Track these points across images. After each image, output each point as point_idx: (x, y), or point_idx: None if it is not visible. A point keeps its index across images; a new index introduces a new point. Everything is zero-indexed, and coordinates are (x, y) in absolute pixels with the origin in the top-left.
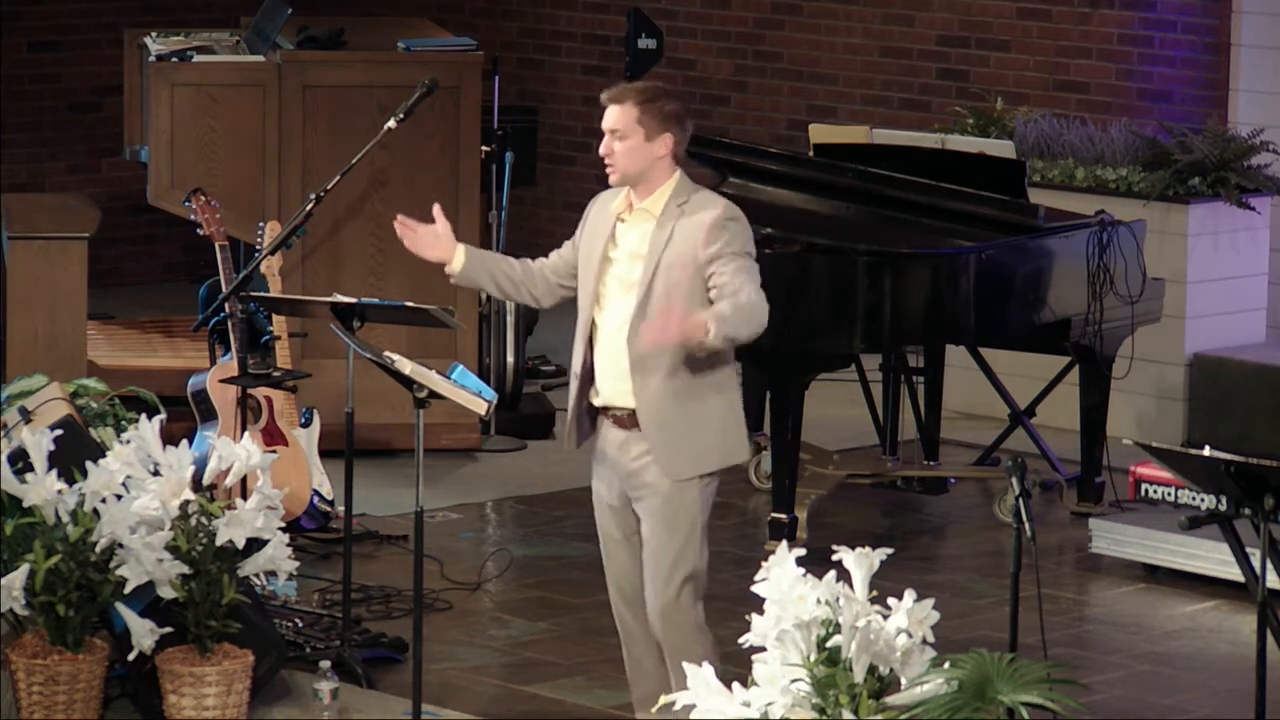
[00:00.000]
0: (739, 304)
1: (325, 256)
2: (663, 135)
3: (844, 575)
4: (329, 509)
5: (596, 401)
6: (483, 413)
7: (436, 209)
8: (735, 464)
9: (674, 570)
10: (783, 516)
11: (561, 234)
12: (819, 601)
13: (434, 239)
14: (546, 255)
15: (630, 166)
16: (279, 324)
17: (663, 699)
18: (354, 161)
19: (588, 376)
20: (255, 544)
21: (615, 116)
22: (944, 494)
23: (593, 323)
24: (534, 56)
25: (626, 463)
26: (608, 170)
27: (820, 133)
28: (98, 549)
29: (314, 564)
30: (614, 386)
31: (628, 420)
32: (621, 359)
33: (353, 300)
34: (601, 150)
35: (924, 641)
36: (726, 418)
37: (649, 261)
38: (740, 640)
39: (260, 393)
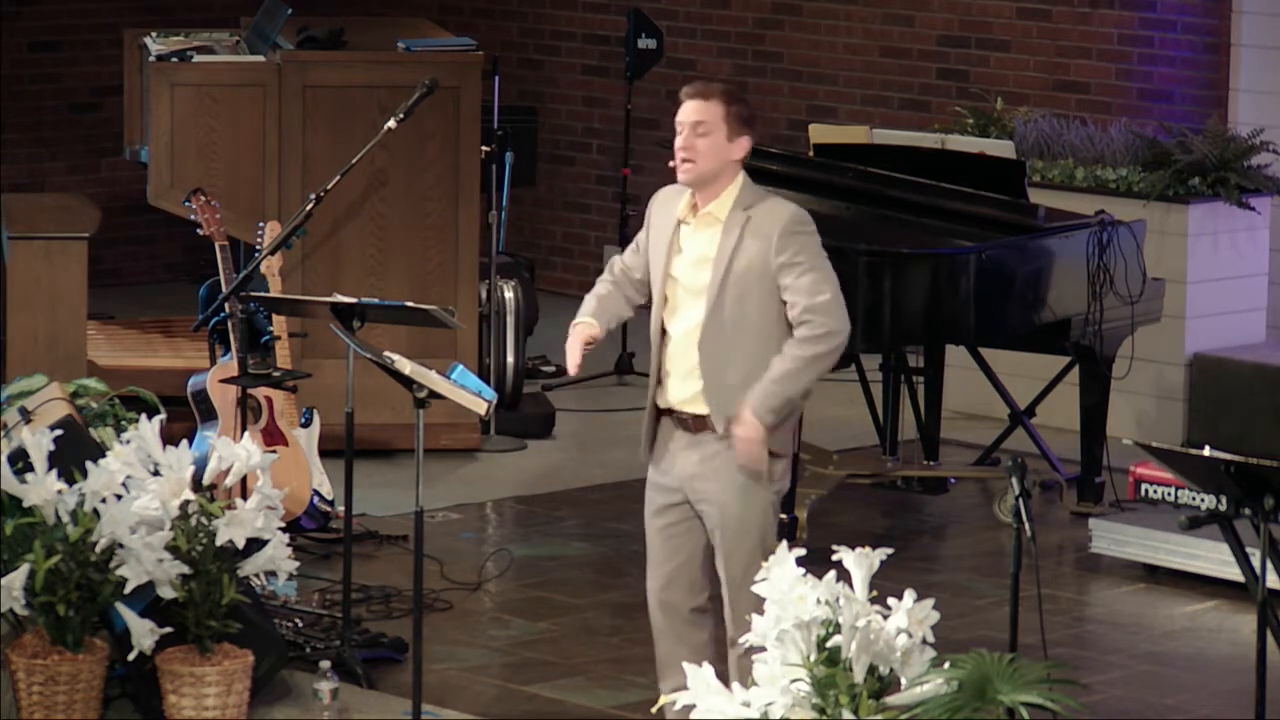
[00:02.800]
0: (785, 365)
1: (325, 256)
2: (741, 138)
3: (844, 575)
4: (329, 509)
5: (662, 403)
6: (483, 413)
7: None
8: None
9: (749, 574)
10: (783, 516)
11: (561, 233)
12: (819, 601)
13: (585, 337)
14: (547, 255)
15: (708, 165)
16: (279, 324)
17: (663, 699)
18: (354, 161)
19: (658, 380)
20: (255, 544)
21: (701, 110)
22: (944, 494)
23: (663, 328)
24: (534, 56)
25: (691, 465)
26: (683, 167)
27: (820, 133)
28: (98, 549)
29: (314, 564)
30: (682, 389)
31: (694, 424)
32: (690, 363)
33: (353, 300)
34: (681, 144)
35: (924, 641)
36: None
37: (718, 269)
38: (740, 640)
39: (260, 393)
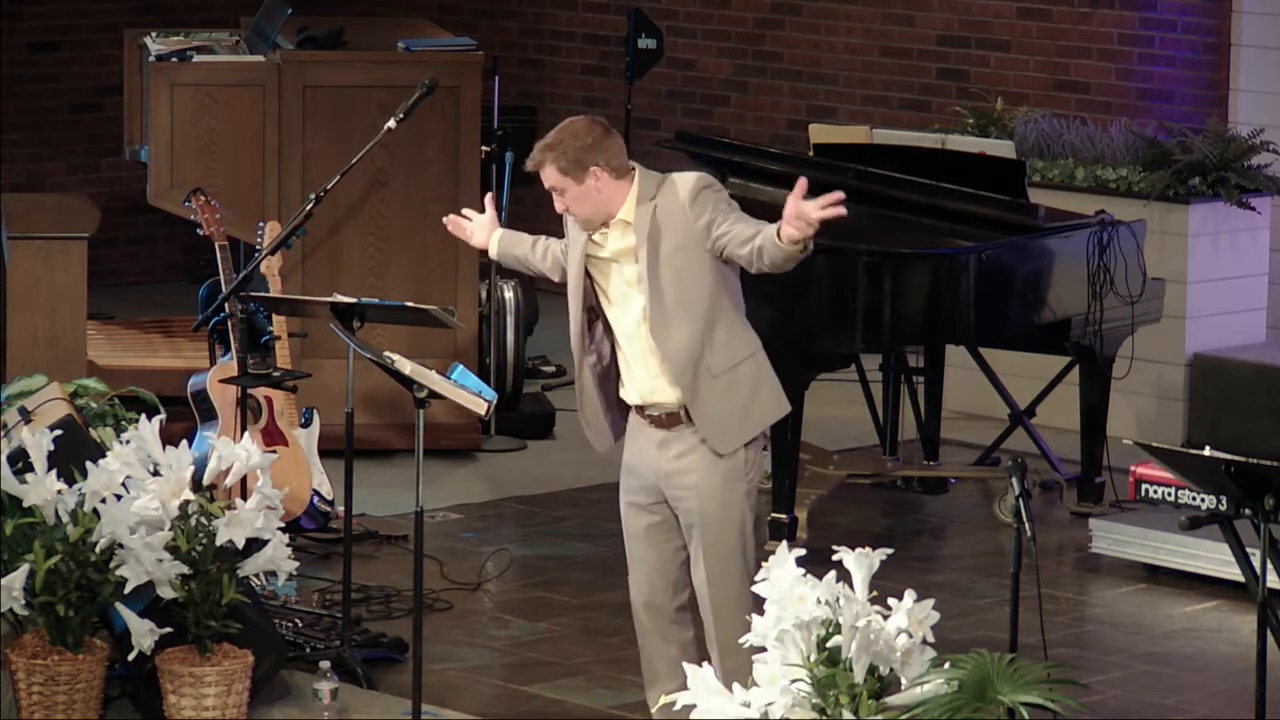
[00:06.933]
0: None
1: (325, 256)
2: (590, 170)
3: (844, 575)
4: (329, 509)
5: (629, 399)
6: (483, 413)
7: (489, 199)
8: (779, 420)
9: (730, 569)
10: (783, 516)
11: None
12: (819, 601)
13: (480, 229)
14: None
15: (585, 211)
16: (279, 324)
17: (663, 699)
18: (354, 161)
19: (606, 375)
20: (255, 544)
21: (545, 179)
22: (944, 494)
23: (606, 323)
24: (534, 56)
25: (665, 462)
26: (574, 221)
27: (820, 133)
28: (98, 549)
29: (314, 564)
30: (649, 385)
31: (666, 420)
32: (650, 358)
33: (353, 300)
34: (558, 209)
35: (924, 641)
36: (758, 379)
37: (645, 257)
38: (740, 640)
39: (260, 393)
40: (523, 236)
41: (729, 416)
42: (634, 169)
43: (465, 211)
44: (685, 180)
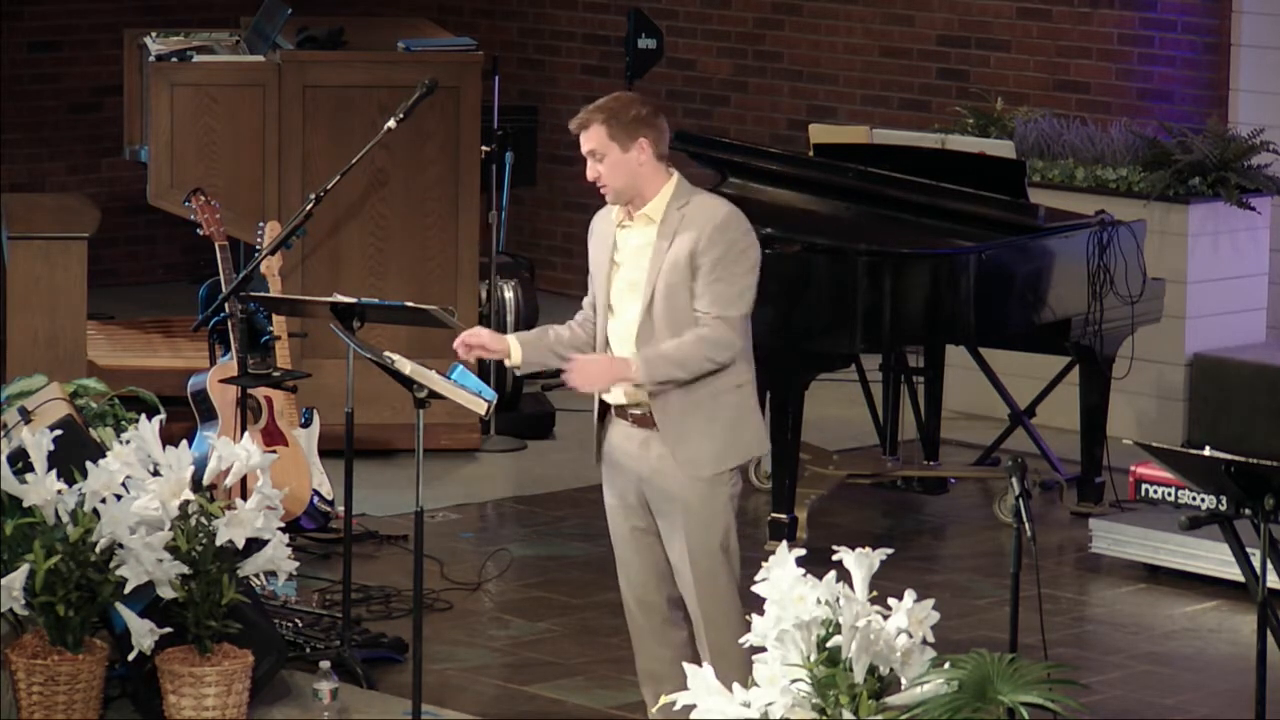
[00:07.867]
0: (683, 343)
1: (325, 256)
2: (637, 141)
3: (844, 575)
4: (329, 509)
5: (612, 400)
6: (483, 413)
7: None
8: (755, 457)
9: (715, 570)
10: (783, 516)
11: (561, 233)
12: (819, 601)
13: (495, 341)
14: (547, 255)
15: (618, 181)
16: (279, 324)
17: (663, 699)
18: (354, 161)
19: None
20: (255, 544)
21: (588, 140)
22: (944, 494)
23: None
24: (534, 56)
25: (650, 461)
26: (603, 192)
27: (820, 133)
28: (98, 549)
29: (314, 564)
30: (632, 387)
31: (649, 419)
32: (630, 355)
33: (353, 300)
34: (589, 176)
35: (924, 641)
36: (742, 412)
37: (653, 265)
38: (740, 640)
39: (260, 393)
40: (552, 333)
41: (702, 441)
42: (674, 171)
43: (467, 339)
44: (721, 207)
